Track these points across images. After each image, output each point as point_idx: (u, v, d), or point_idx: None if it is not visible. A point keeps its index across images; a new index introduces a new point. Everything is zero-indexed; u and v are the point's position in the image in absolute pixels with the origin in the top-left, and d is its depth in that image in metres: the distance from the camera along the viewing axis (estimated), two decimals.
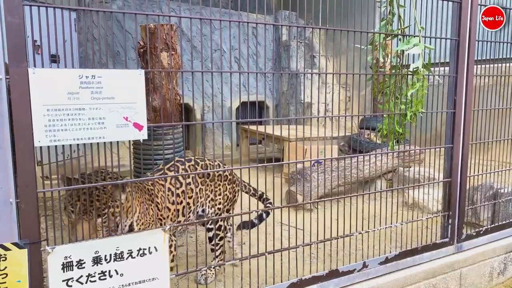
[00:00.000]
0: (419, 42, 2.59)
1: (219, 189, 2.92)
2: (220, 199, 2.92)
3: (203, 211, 2.91)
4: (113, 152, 2.39)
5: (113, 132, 1.90)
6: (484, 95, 3.33)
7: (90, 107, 1.84)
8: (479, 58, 3.21)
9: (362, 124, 6.24)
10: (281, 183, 2.71)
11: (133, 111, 1.93)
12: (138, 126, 1.95)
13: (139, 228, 2.39)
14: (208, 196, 2.82)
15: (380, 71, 2.80)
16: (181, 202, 2.73)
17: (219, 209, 2.94)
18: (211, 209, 2.91)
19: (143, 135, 1.98)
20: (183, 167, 2.77)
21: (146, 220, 2.48)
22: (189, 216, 2.79)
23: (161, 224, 2.54)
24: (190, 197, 2.72)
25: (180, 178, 2.75)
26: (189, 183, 2.72)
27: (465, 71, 3.02)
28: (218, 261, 3.00)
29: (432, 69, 2.81)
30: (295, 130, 6.10)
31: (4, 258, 1.70)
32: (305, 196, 4.50)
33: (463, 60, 2.99)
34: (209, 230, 2.98)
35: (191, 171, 2.70)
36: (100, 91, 1.85)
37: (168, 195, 2.64)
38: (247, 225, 3.21)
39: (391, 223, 2.95)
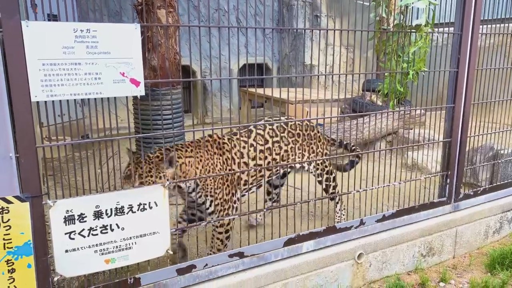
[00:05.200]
0: None
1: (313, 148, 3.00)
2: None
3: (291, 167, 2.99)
4: (112, 113, 2.38)
5: (110, 87, 1.88)
6: (489, 55, 3.25)
7: (86, 62, 1.82)
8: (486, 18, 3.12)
9: (365, 86, 6.17)
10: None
11: (130, 67, 1.91)
12: (135, 82, 1.93)
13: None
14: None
15: (383, 28, 2.73)
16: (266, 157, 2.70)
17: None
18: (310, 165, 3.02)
19: (140, 91, 1.96)
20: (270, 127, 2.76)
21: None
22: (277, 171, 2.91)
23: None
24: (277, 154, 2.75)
25: (267, 136, 2.74)
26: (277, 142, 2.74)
27: (470, 29, 2.94)
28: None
29: (437, 29, 2.73)
30: (297, 92, 6.04)
31: (7, 211, 1.74)
32: None
33: (469, 16, 2.91)
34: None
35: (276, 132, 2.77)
36: (95, 46, 1.82)
37: (249, 150, 2.67)
38: (341, 168, 3.35)
39: (389, 183, 2.98)
